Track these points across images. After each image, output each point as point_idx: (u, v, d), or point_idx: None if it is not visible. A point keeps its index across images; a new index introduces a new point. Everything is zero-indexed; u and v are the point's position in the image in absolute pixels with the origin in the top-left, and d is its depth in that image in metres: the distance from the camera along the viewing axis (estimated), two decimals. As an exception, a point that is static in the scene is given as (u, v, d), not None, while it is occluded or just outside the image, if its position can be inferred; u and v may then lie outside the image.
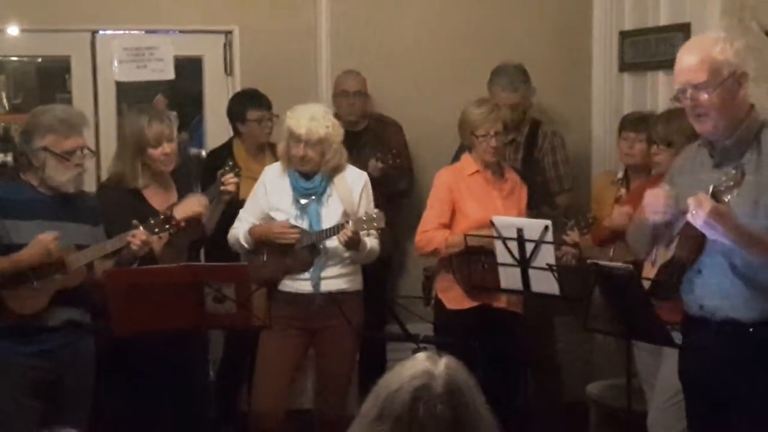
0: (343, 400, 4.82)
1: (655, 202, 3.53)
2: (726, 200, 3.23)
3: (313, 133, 4.65)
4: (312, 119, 4.66)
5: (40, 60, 7.16)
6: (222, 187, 4.72)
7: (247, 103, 5.65)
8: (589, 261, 3.82)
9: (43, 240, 4.04)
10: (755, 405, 3.46)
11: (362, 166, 5.22)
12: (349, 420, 4.94)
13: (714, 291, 3.46)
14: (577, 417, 5.45)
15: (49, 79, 7.44)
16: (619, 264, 3.71)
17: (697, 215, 3.26)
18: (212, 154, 5.84)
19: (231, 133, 5.86)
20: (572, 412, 5.54)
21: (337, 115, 5.05)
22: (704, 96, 3.39)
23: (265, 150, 5.64)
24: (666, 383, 4.43)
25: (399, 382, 2.00)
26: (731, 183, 3.24)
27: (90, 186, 4.76)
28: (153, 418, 4.55)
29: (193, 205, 4.56)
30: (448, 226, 4.92)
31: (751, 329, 3.41)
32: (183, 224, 4.39)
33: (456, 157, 5.69)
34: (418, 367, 2.03)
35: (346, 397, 4.86)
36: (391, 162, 5.55)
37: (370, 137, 5.89)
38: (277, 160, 5.33)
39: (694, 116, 3.48)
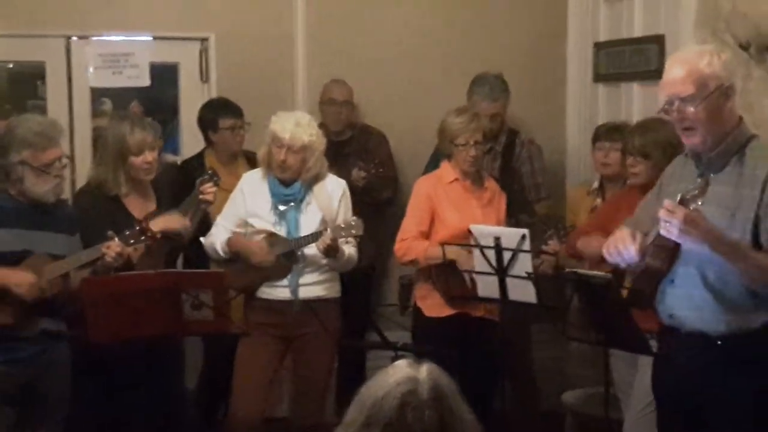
0: (320, 408, 4.82)
1: (615, 247, 3.52)
2: (693, 207, 3.26)
3: (297, 139, 4.64)
4: (297, 125, 4.66)
5: (11, 66, 7.10)
6: (201, 196, 4.71)
7: (218, 111, 5.62)
8: (567, 269, 3.84)
9: (22, 279, 4.02)
10: (725, 416, 3.46)
11: (346, 175, 5.23)
12: (326, 428, 4.95)
13: (684, 302, 3.47)
14: (552, 425, 5.46)
15: (20, 86, 7.38)
16: (597, 273, 3.72)
17: (671, 225, 3.28)
18: (185, 164, 5.81)
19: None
20: (548, 420, 5.56)
21: (322, 125, 5.05)
22: (690, 109, 3.39)
23: (238, 158, 5.63)
24: (642, 392, 4.44)
25: (385, 389, 2.01)
26: (696, 192, 3.27)
27: (64, 192, 4.72)
28: (128, 425, 4.52)
29: (173, 221, 4.54)
30: (427, 234, 4.93)
31: (719, 342, 3.42)
32: (158, 236, 4.37)
33: (430, 164, 5.73)
34: (402, 373, 2.05)
35: (324, 404, 4.85)
36: (374, 171, 5.57)
37: (355, 147, 5.91)
38: (249, 167, 5.34)
39: (681, 129, 3.48)
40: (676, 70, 3.43)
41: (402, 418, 1.96)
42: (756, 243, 3.36)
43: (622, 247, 3.50)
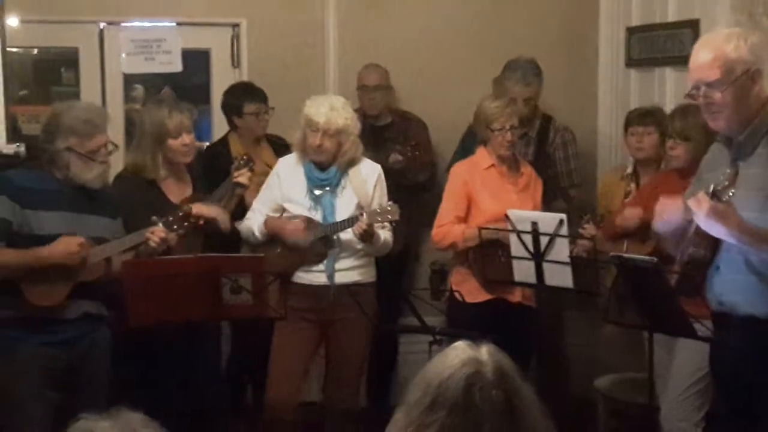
0: (355, 392, 4.84)
1: (663, 213, 3.56)
2: (725, 199, 3.24)
3: (332, 123, 4.64)
4: (332, 109, 4.65)
5: (35, 52, 7.13)
6: (234, 180, 4.72)
7: (243, 96, 5.61)
8: (612, 254, 3.83)
9: (68, 244, 4.04)
10: None
11: (385, 160, 5.22)
12: (360, 413, 4.97)
13: (731, 287, 3.46)
14: (585, 411, 5.45)
15: (45, 73, 7.42)
16: (644, 257, 3.71)
17: (698, 216, 3.29)
18: (210, 149, 5.81)
19: (237, 125, 5.86)
20: (579, 406, 5.55)
21: (359, 110, 5.04)
22: (717, 94, 3.39)
23: (262, 142, 5.63)
24: (679, 377, 4.46)
25: (449, 370, 2.01)
26: (726, 183, 3.26)
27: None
28: (164, 408, 4.53)
29: (215, 210, 4.56)
30: (464, 219, 4.94)
31: None
32: (201, 222, 4.39)
33: (458, 151, 5.73)
34: (465, 354, 2.05)
35: (358, 389, 4.87)
36: (410, 155, 5.56)
37: (394, 133, 5.89)
38: (273, 151, 5.34)
39: (708, 113, 3.48)
40: (703, 55, 3.42)
41: (470, 398, 1.96)
42: None
43: (670, 210, 3.50)
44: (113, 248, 4.22)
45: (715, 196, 3.25)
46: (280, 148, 5.33)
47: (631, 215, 4.61)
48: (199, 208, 4.44)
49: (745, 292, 3.43)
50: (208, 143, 6.09)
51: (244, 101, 5.58)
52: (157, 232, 4.23)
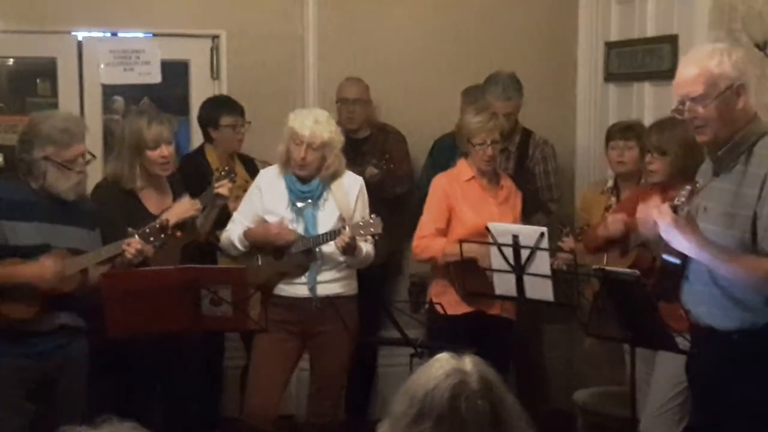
0: (336, 405, 4.83)
1: (646, 217, 3.58)
2: (681, 214, 3.32)
3: (317, 136, 4.63)
4: (316, 122, 4.65)
5: (11, 62, 7.07)
6: (216, 190, 4.71)
7: (220, 109, 5.59)
8: (594, 267, 3.84)
9: (42, 269, 4.02)
10: (744, 411, 3.47)
11: (362, 173, 5.22)
12: (340, 426, 4.94)
13: (697, 298, 3.51)
14: (563, 424, 5.46)
15: (20, 83, 7.35)
16: (626, 270, 3.73)
17: (661, 227, 3.36)
18: (186, 159, 5.75)
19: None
20: (558, 419, 5.56)
21: (338, 122, 5.04)
22: (701, 109, 3.43)
23: (235, 158, 5.60)
24: (659, 390, 4.46)
25: (434, 381, 2.01)
26: (683, 199, 3.34)
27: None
28: (145, 418, 4.50)
29: (186, 207, 4.54)
30: (445, 231, 4.94)
31: (734, 336, 3.43)
32: (178, 233, 4.37)
33: (429, 162, 5.74)
34: (449, 365, 2.05)
35: (340, 402, 4.85)
36: (385, 167, 5.56)
37: (372, 145, 5.89)
38: (245, 169, 5.33)
39: (693, 128, 3.52)
40: (687, 71, 3.47)
41: (455, 408, 1.96)
42: (755, 242, 3.38)
43: (648, 214, 3.54)
44: (89, 260, 4.19)
45: (674, 210, 3.32)
46: (252, 167, 5.31)
47: (614, 221, 4.61)
48: (171, 213, 4.42)
49: (708, 304, 3.48)
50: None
51: (221, 114, 5.56)
52: (133, 244, 4.20)
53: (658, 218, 3.36)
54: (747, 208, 3.38)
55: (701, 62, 3.44)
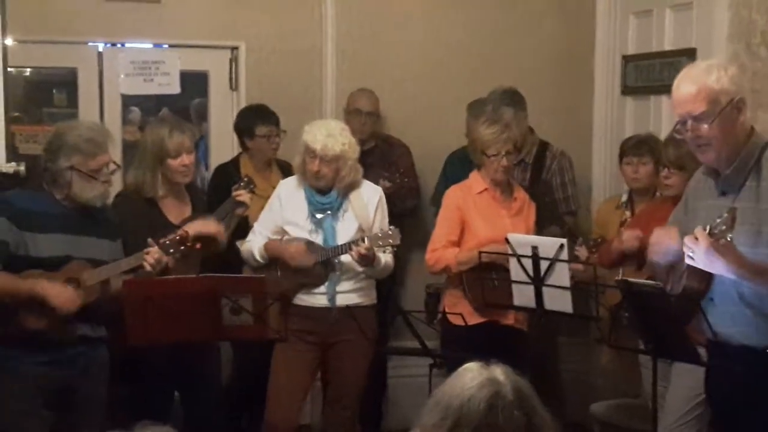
0: (353, 415, 4.83)
1: (659, 244, 3.55)
2: (723, 242, 3.24)
3: (329, 149, 4.65)
4: (329, 136, 4.66)
5: (27, 73, 7.13)
6: (237, 199, 4.73)
7: (255, 119, 5.64)
8: (617, 278, 3.84)
9: (63, 298, 4.03)
10: None
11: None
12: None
13: (726, 319, 3.46)
14: (579, 437, 5.47)
15: (36, 93, 7.40)
16: (649, 281, 3.71)
17: (696, 254, 3.28)
18: (219, 169, 5.80)
19: (234, 148, 5.88)
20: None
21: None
22: (705, 126, 3.37)
23: (272, 165, 5.65)
24: (676, 403, 4.46)
25: (469, 392, 2.01)
26: (723, 227, 3.24)
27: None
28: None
29: (208, 226, 4.55)
30: (457, 244, 4.95)
31: (767, 351, 3.41)
32: (198, 246, 4.39)
33: (443, 178, 5.74)
34: (482, 376, 2.05)
35: (356, 412, 4.85)
36: (399, 181, 5.58)
37: (377, 157, 5.90)
38: (283, 176, 5.35)
39: (695, 147, 3.46)
40: (686, 88, 3.41)
41: (493, 419, 1.96)
42: None
43: (666, 245, 3.51)
44: (110, 271, 4.21)
45: (712, 236, 3.25)
46: (291, 173, 5.33)
47: (629, 238, 4.61)
48: (193, 227, 4.44)
49: (740, 324, 3.43)
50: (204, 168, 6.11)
51: (257, 123, 5.61)
52: (152, 254, 4.22)
53: (692, 244, 3.27)
54: None
55: (699, 79, 3.39)
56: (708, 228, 3.27)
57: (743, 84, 3.51)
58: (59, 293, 4.02)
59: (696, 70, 3.49)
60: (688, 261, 3.33)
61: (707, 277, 3.44)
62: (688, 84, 3.42)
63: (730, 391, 3.55)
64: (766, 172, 3.40)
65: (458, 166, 5.55)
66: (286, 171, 5.49)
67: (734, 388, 3.52)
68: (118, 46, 6.11)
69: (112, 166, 4.23)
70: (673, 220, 3.74)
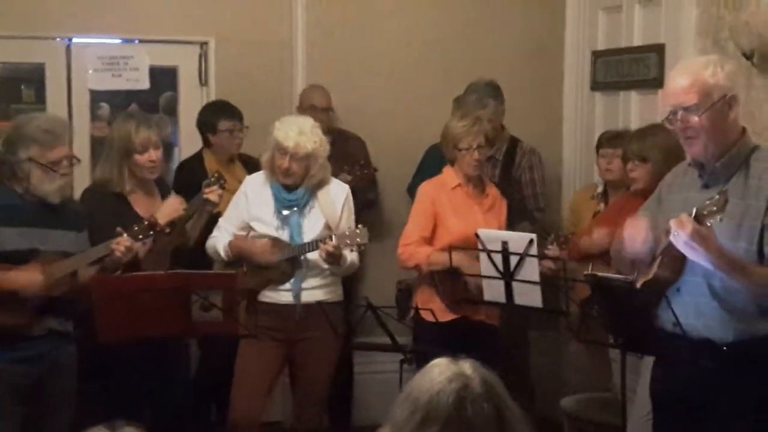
0: (322, 411, 4.82)
1: (634, 234, 3.57)
2: (708, 224, 3.25)
3: (301, 147, 4.63)
4: (300, 133, 4.65)
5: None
6: (205, 196, 4.71)
7: (218, 114, 5.63)
8: (586, 273, 3.85)
9: (33, 281, 4.01)
10: (726, 421, 3.47)
11: None
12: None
13: (690, 310, 3.48)
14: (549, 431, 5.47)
15: (4, 89, 7.32)
16: (619, 276, 3.73)
17: (679, 236, 3.29)
18: (183, 165, 5.80)
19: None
20: (545, 427, 5.56)
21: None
22: (694, 119, 3.41)
23: (235, 161, 5.63)
24: (645, 397, 4.46)
25: (438, 386, 2.02)
26: (714, 208, 3.25)
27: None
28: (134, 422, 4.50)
29: (174, 205, 4.55)
30: (430, 239, 4.95)
31: (724, 348, 3.43)
32: (167, 230, 4.37)
33: (419, 171, 5.75)
34: (449, 370, 2.06)
35: (324, 409, 4.84)
36: (359, 174, 5.56)
37: (335, 151, 5.84)
38: (246, 171, 5.33)
39: (684, 138, 3.49)
40: (680, 80, 3.44)
41: (462, 412, 1.97)
42: (761, 253, 3.38)
43: (638, 237, 3.52)
44: (78, 262, 4.19)
45: (697, 219, 3.25)
46: (254, 168, 5.32)
47: (599, 235, 4.64)
48: (161, 213, 4.43)
49: (705, 317, 3.45)
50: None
51: (219, 119, 5.59)
52: (122, 242, 4.20)
53: (676, 227, 3.27)
54: (753, 219, 3.38)
55: (695, 72, 3.43)
56: (695, 211, 3.28)
57: (739, 81, 3.53)
58: (29, 279, 4.00)
59: (692, 63, 3.54)
60: (671, 240, 3.34)
61: (679, 268, 3.46)
62: (682, 76, 3.45)
63: (677, 384, 3.57)
64: (755, 171, 3.43)
65: (438, 160, 5.54)
66: (249, 166, 5.48)
67: (681, 381, 3.54)
68: (87, 41, 6.04)
69: (72, 160, 4.20)
70: (644, 211, 3.76)
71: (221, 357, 5.08)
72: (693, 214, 3.27)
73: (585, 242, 4.83)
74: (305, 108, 5.85)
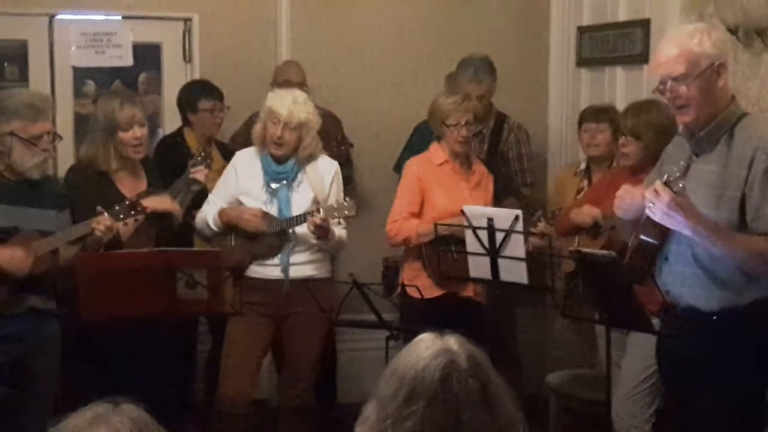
0: (309, 388, 4.80)
1: (624, 199, 3.58)
2: (676, 190, 3.30)
3: (294, 116, 4.64)
4: (294, 102, 4.66)
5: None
6: (191, 176, 4.68)
7: (199, 93, 5.58)
8: (571, 249, 3.85)
9: (15, 258, 3.98)
10: (718, 391, 3.49)
11: None
12: (312, 410, 4.89)
13: (677, 279, 3.52)
14: (536, 407, 5.48)
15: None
16: (602, 251, 3.74)
17: (656, 207, 3.31)
18: (163, 142, 5.75)
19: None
20: (531, 402, 5.57)
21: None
22: (683, 88, 3.43)
23: (212, 144, 5.58)
24: (630, 373, 4.50)
25: (423, 362, 2.01)
26: (678, 174, 3.32)
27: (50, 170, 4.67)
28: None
29: (165, 202, 4.51)
30: (418, 215, 4.95)
31: (714, 317, 3.46)
32: (148, 211, 4.34)
33: (407, 147, 5.73)
34: (435, 346, 2.05)
35: (311, 385, 4.83)
36: (336, 150, 5.54)
37: None
38: (221, 155, 5.32)
39: (675, 108, 3.52)
40: (668, 50, 3.47)
41: (448, 388, 1.97)
42: (743, 222, 3.40)
43: (629, 199, 3.54)
44: (59, 240, 4.15)
45: (667, 186, 3.29)
46: (229, 155, 5.28)
47: (587, 213, 4.64)
48: (151, 202, 4.40)
49: (690, 285, 3.48)
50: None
51: (200, 98, 5.54)
52: (102, 221, 4.16)
53: (652, 197, 3.31)
54: (735, 188, 3.40)
55: (681, 42, 3.45)
56: (665, 177, 3.32)
57: (725, 49, 3.54)
58: (10, 256, 3.98)
59: (679, 33, 3.55)
60: (648, 213, 3.35)
61: (662, 233, 3.48)
62: (669, 46, 3.48)
63: (674, 355, 3.60)
64: (738, 140, 3.45)
65: (427, 137, 5.51)
66: (224, 151, 5.45)
67: (678, 352, 3.56)
68: (69, 17, 5.99)
69: (54, 136, 4.17)
70: (646, 184, 3.76)
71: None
72: (663, 182, 3.30)
73: (574, 215, 4.81)
74: (280, 83, 5.75)
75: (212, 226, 4.77)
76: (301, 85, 5.77)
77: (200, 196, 4.93)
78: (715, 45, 3.45)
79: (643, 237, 3.50)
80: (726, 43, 3.60)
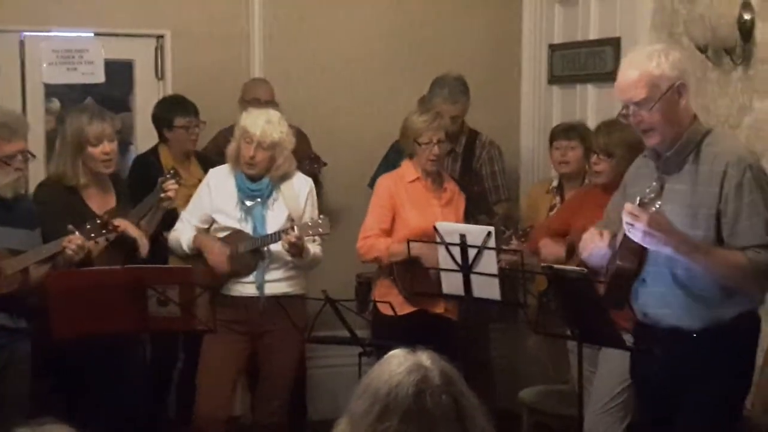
0: (284, 405, 4.79)
1: (588, 244, 3.60)
2: (652, 211, 3.30)
3: (267, 135, 4.64)
4: (268, 122, 4.66)
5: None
6: (162, 194, 4.67)
7: (174, 110, 5.57)
8: (543, 264, 3.87)
9: None
10: (700, 410, 3.51)
11: None
12: (284, 427, 4.87)
13: (657, 300, 3.52)
14: (508, 423, 5.48)
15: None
16: (575, 268, 3.75)
17: (635, 228, 3.32)
18: (139, 160, 5.74)
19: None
20: (504, 418, 5.57)
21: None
22: (645, 113, 3.45)
23: (191, 158, 5.59)
24: (602, 388, 4.51)
25: (396, 378, 2.01)
26: (652, 195, 3.32)
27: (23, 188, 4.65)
28: (89, 419, 4.45)
29: (135, 232, 4.49)
30: (389, 232, 4.96)
31: (694, 335, 3.47)
32: (119, 230, 4.33)
33: (383, 163, 5.74)
34: (408, 362, 2.05)
35: (286, 403, 4.82)
36: (308, 168, 5.54)
37: None
38: (201, 167, 5.30)
39: (640, 132, 3.54)
40: (628, 74, 3.48)
41: (421, 404, 1.97)
42: (720, 239, 3.42)
43: (593, 246, 3.55)
44: (29, 258, 4.14)
45: (642, 206, 3.30)
46: (210, 166, 5.28)
47: (551, 253, 4.65)
48: (122, 224, 4.38)
49: (671, 306, 3.49)
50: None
51: (175, 114, 5.54)
52: (73, 240, 4.15)
53: (629, 219, 3.31)
54: (708, 206, 3.42)
55: (641, 65, 3.46)
56: (638, 200, 3.33)
57: (686, 68, 3.56)
58: None
59: (638, 56, 3.56)
60: (627, 233, 3.36)
61: (639, 258, 3.48)
62: (630, 70, 3.49)
63: (655, 375, 3.60)
64: (706, 157, 3.46)
65: (402, 154, 5.51)
66: (204, 163, 5.44)
67: (659, 372, 3.57)
68: (41, 34, 5.97)
69: (27, 155, 4.15)
70: (612, 205, 3.79)
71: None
72: (637, 204, 3.31)
73: (543, 244, 4.82)
74: (248, 100, 5.74)
75: (186, 249, 4.76)
76: (270, 102, 5.77)
77: (171, 214, 4.91)
78: (674, 66, 3.46)
79: (620, 263, 3.50)
80: (686, 62, 3.61)
